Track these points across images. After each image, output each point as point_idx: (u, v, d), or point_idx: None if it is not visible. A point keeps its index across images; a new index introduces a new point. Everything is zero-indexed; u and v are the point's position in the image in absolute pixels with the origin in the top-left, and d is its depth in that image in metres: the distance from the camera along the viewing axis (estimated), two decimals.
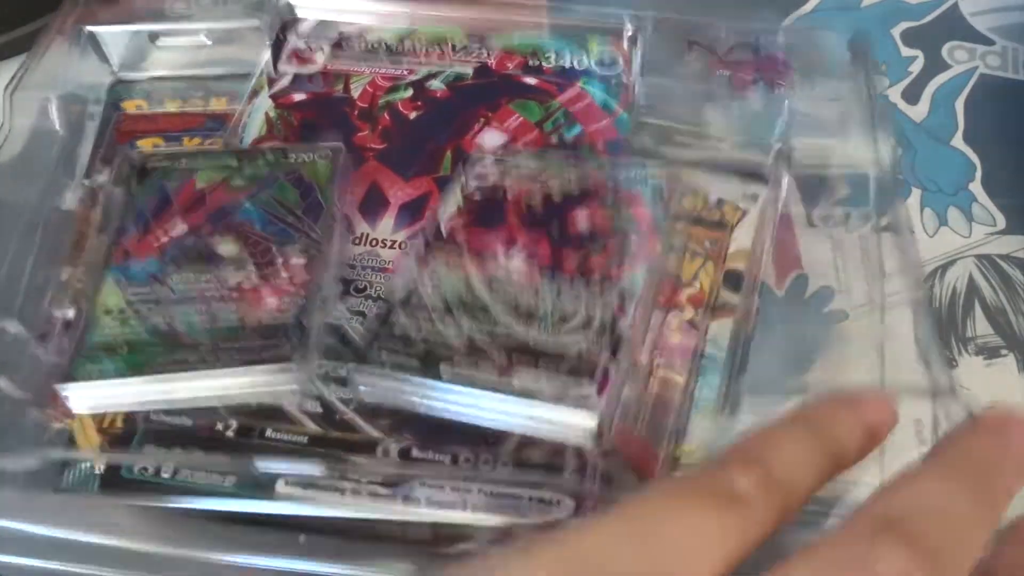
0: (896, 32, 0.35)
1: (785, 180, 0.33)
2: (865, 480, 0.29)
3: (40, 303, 0.32)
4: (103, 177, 0.35)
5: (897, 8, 0.35)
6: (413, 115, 0.35)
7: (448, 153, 0.33)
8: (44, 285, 0.33)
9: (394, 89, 0.35)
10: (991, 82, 0.38)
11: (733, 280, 0.31)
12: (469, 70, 0.36)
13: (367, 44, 0.37)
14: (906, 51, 0.35)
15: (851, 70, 0.35)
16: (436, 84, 0.35)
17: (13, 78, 0.36)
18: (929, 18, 0.40)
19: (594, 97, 0.35)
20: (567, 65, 0.36)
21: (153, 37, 0.38)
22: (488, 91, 0.35)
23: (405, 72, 0.36)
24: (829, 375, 0.32)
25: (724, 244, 0.32)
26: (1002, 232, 0.34)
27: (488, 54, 0.36)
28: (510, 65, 0.36)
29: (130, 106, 0.37)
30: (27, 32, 0.40)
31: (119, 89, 0.37)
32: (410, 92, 0.35)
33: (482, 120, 0.34)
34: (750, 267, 0.32)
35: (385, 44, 0.37)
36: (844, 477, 0.30)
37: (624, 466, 0.28)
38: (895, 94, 0.39)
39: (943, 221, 0.36)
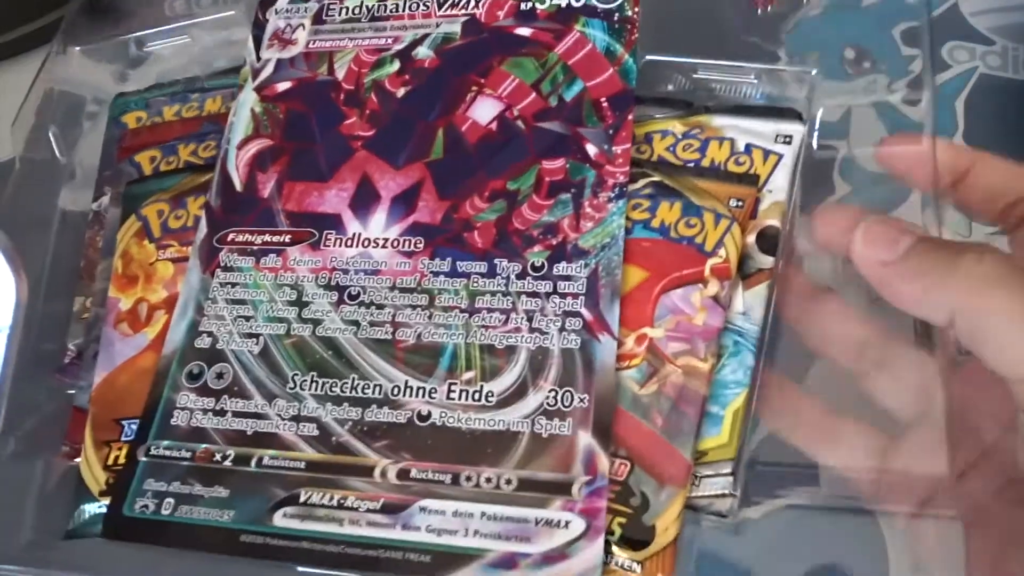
0: (896, 32, 0.32)
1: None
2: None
3: (56, 335, 0.32)
4: (107, 199, 0.34)
5: (897, 8, 0.32)
6: (401, 92, 0.31)
7: (440, 132, 0.30)
8: (59, 316, 0.33)
9: (379, 64, 0.32)
10: (991, 82, 0.38)
11: (767, 240, 0.27)
12: (457, 27, 0.32)
13: (348, 11, 0.34)
14: (906, 51, 0.31)
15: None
16: (423, 51, 0.32)
17: (18, 111, 0.36)
18: None
19: (595, 42, 0.30)
20: (563, 3, 0.31)
21: (143, 43, 0.37)
22: (478, 52, 0.31)
23: (390, 41, 0.33)
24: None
25: (752, 201, 0.27)
26: (1002, 232, 0.31)
27: (477, 2, 0.32)
28: (500, 14, 0.32)
29: (130, 119, 0.36)
30: (27, 32, 0.40)
31: (120, 103, 0.36)
32: (396, 65, 0.32)
33: (473, 89, 0.31)
34: (785, 222, 0.27)
35: (367, 8, 0.34)
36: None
37: (643, 474, 0.25)
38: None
39: (943, 221, 0.33)
